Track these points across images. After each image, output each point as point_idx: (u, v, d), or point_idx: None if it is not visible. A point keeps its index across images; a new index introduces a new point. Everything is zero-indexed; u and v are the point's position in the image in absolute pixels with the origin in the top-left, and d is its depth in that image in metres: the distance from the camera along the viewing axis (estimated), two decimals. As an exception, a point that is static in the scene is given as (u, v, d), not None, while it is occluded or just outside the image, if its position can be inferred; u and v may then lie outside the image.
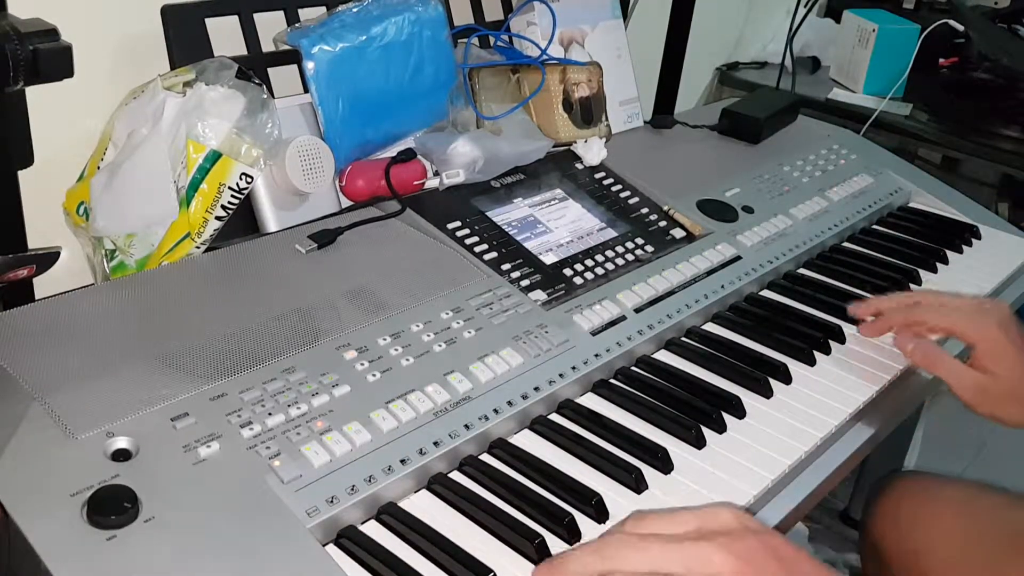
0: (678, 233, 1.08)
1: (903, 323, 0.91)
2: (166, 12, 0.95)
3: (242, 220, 0.96)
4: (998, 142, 1.64)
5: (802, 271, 1.11)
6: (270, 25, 1.03)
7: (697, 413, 0.82)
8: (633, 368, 0.89)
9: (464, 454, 0.74)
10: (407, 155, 1.04)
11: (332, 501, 0.65)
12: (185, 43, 0.95)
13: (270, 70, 1.02)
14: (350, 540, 0.65)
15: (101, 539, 0.58)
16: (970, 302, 0.89)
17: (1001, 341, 0.83)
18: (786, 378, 0.89)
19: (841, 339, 0.96)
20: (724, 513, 0.56)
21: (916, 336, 0.89)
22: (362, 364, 0.76)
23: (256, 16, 1.01)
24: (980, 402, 0.83)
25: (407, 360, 0.78)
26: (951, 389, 0.84)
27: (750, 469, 0.76)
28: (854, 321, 0.97)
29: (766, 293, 1.06)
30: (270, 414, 0.69)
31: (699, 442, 0.79)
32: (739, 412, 0.83)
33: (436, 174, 1.03)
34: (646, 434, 0.79)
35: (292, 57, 1.01)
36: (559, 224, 1.03)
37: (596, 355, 0.86)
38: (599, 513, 0.70)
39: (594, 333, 0.89)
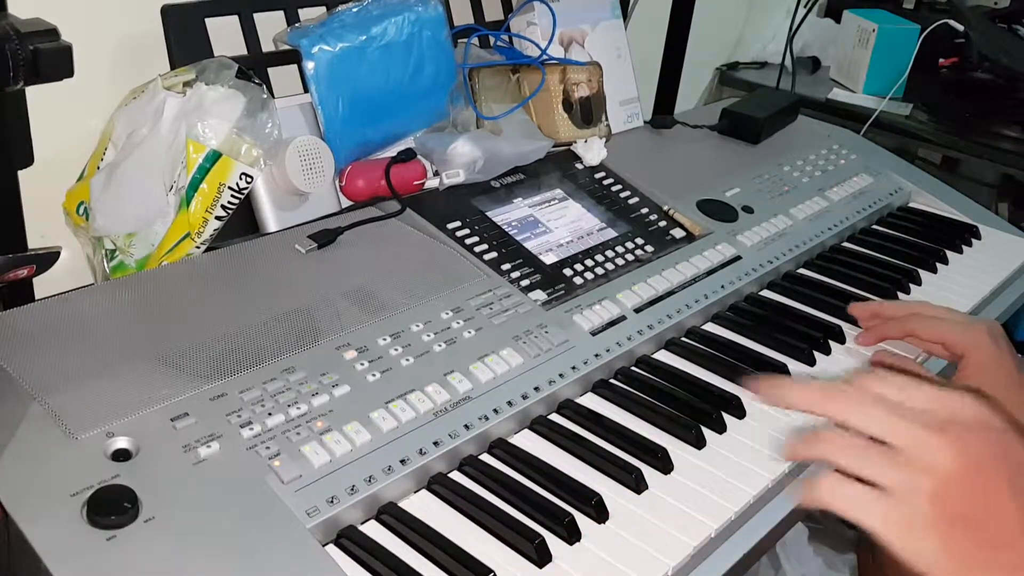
0: (678, 233, 1.08)
1: (898, 335, 0.90)
2: (166, 12, 0.95)
3: (242, 220, 0.96)
4: (998, 142, 1.64)
5: (802, 271, 1.11)
6: (270, 25, 1.03)
7: (697, 413, 0.81)
8: (633, 368, 0.89)
9: (464, 454, 0.74)
10: (407, 155, 1.04)
11: (332, 501, 0.65)
12: (185, 43, 0.95)
13: (270, 70, 1.02)
14: (350, 540, 0.65)
15: (101, 539, 0.58)
16: (963, 315, 0.89)
17: (991, 350, 0.82)
18: (786, 378, 0.89)
19: (841, 339, 0.96)
20: (968, 404, 0.51)
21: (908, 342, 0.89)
22: (362, 364, 0.76)
23: (256, 16, 1.01)
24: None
25: (407, 360, 0.78)
26: None
27: (750, 469, 0.76)
28: (854, 321, 0.97)
29: (766, 293, 1.06)
30: (270, 414, 0.69)
31: (699, 442, 0.79)
32: (739, 412, 0.83)
33: (436, 174, 1.03)
34: (646, 434, 0.79)
35: (292, 57, 1.01)
36: (559, 224, 1.03)
37: (596, 355, 0.86)
38: (599, 513, 0.70)
39: (594, 333, 0.89)
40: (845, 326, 0.98)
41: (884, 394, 0.51)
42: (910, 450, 0.49)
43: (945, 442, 0.49)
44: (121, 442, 0.65)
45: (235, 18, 1.00)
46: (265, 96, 0.93)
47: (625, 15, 1.41)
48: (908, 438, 0.49)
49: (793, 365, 0.91)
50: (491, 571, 0.63)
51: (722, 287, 1.01)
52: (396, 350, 0.79)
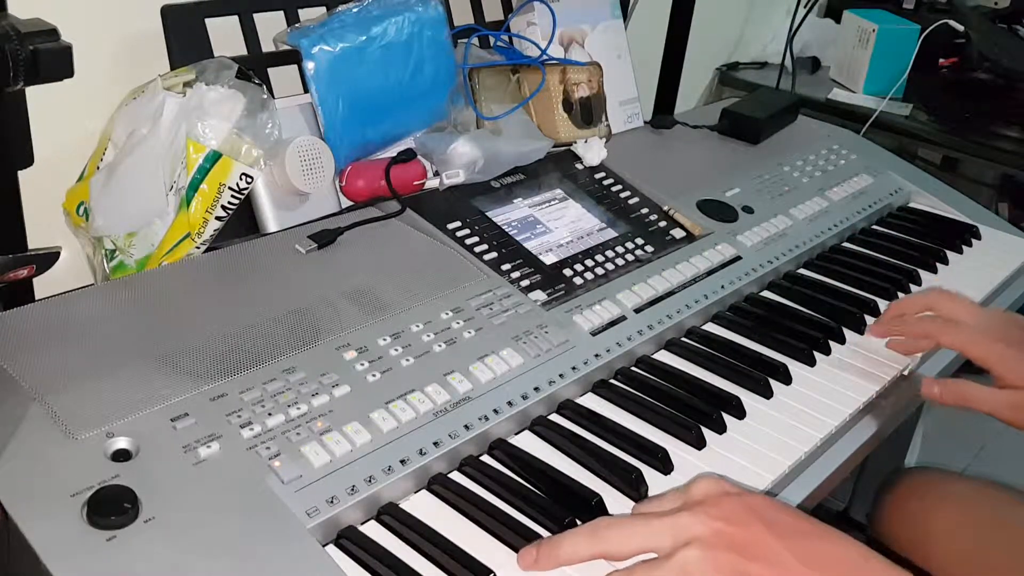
0: (678, 233, 1.08)
1: (917, 335, 0.91)
2: (166, 12, 0.95)
3: (242, 220, 0.96)
4: (998, 142, 1.64)
5: (802, 271, 1.11)
6: (270, 25, 1.03)
7: (697, 413, 0.81)
8: (633, 368, 0.89)
9: (464, 454, 0.74)
10: (407, 155, 1.04)
11: (332, 501, 0.65)
12: (185, 43, 0.95)
13: (270, 70, 1.02)
14: (350, 540, 0.65)
15: (101, 539, 0.58)
16: (976, 317, 0.89)
17: (1010, 356, 0.83)
18: (786, 378, 0.89)
19: (841, 339, 0.96)
20: (704, 484, 0.60)
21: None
22: (362, 364, 0.76)
23: (256, 16, 1.01)
24: (1020, 418, 0.83)
25: (407, 360, 0.78)
26: (992, 415, 0.84)
27: (750, 470, 0.76)
28: (854, 323, 0.97)
29: (766, 293, 1.06)
30: (270, 414, 0.69)
31: (699, 442, 0.79)
32: (739, 412, 0.83)
33: (436, 174, 1.03)
34: (646, 434, 0.79)
35: (292, 57, 1.01)
36: (559, 224, 1.03)
37: (596, 355, 0.86)
38: (600, 514, 0.69)
39: (594, 333, 0.89)
40: (845, 328, 0.98)
41: (639, 510, 0.61)
42: (675, 536, 0.57)
43: (695, 514, 0.57)
44: (121, 442, 0.65)
45: (235, 18, 1.00)
46: (265, 96, 0.93)
47: (625, 15, 1.41)
48: (668, 531, 0.57)
49: (793, 365, 0.91)
50: (491, 571, 0.63)
51: (722, 287, 1.01)
52: (396, 350, 0.79)
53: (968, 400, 0.85)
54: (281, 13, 1.04)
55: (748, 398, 0.85)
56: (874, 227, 1.26)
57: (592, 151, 1.15)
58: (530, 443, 0.78)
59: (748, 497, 0.59)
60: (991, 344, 0.84)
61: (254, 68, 0.97)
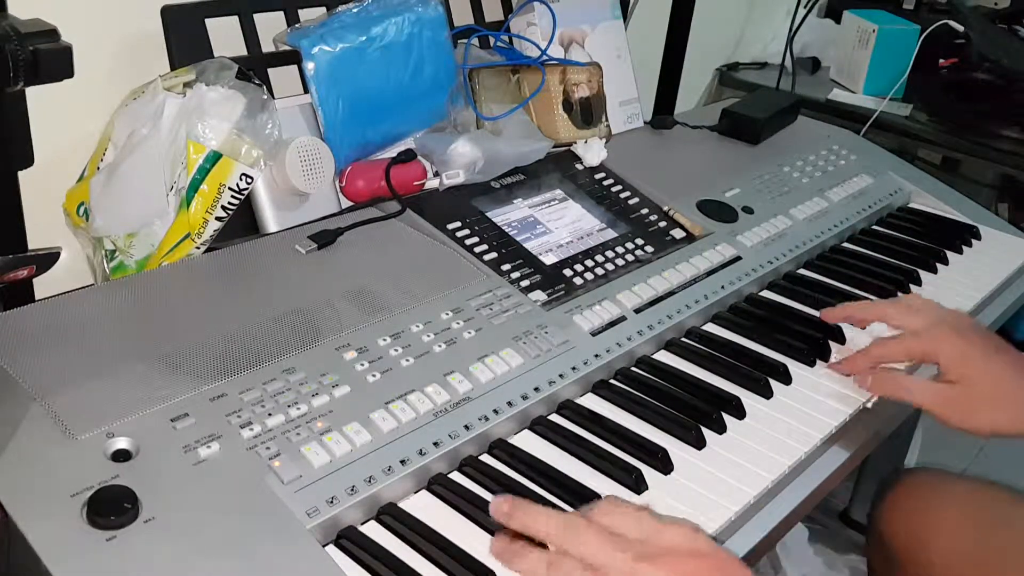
0: (678, 233, 1.08)
1: (871, 363, 0.88)
2: (166, 12, 0.95)
3: (242, 220, 0.96)
4: (998, 143, 1.64)
5: (802, 272, 1.11)
6: (270, 25, 1.03)
7: (697, 414, 0.81)
8: (633, 368, 0.89)
9: (464, 454, 0.74)
10: (407, 156, 1.04)
11: (332, 502, 0.65)
12: (185, 43, 0.95)
13: (270, 70, 1.02)
14: (350, 541, 0.65)
15: (101, 540, 0.58)
16: (925, 317, 0.87)
17: (961, 347, 0.82)
18: (786, 379, 0.89)
19: (841, 340, 0.96)
20: (677, 533, 0.57)
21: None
22: (362, 364, 0.76)
23: (256, 16, 1.01)
24: (950, 414, 0.81)
25: (407, 360, 0.78)
26: (927, 411, 0.83)
27: (750, 470, 0.76)
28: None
29: (766, 294, 1.06)
30: (270, 414, 0.69)
31: (699, 443, 0.79)
32: (739, 413, 0.83)
33: (436, 175, 1.03)
34: (646, 435, 0.79)
35: (292, 57, 1.01)
36: (559, 224, 1.03)
37: (596, 355, 0.86)
38: (599, 514, 0.69)
39: (594, 334, 0.89)
40: (845, 327, 0.97)
41: (609, 525, 0.57)
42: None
43: (654, 568, 0.54)
44: (121, 442, 0.65)
45: (235, 18, 1.00)
46: (265, 97, 0.93)
47: (625, 15, 1.41)
48: (620, 567, 0.54)
49: (793, 366, 0.91)
50: (492, 572, 0.63)
51: (722, 287, 1.01)
52: (396, 350, 0.79)
53: (900, 392, 0.84)
54: (281, 13, 1.04)
55: (748, 398, 0.85)
56: (874, 227, 1.26)
57: (592, 151, 1.15)
58: (530, 443, 0.78)
59: (715, 560, 0.56)
60: (944, 336, 0.83)
61: (254, 68, 0.97)
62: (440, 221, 0.97)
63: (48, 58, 0.80)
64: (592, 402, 0.84)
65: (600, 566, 0.55)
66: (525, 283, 0.92)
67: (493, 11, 1.25)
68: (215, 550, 0.59)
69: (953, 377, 0.82)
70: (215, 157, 0.90)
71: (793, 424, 0.83)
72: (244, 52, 1.00)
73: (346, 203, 1.02)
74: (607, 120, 1.22)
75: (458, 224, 0.97)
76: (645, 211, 1.10)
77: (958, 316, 0.89)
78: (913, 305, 0.89)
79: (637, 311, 0.93)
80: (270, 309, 0.80)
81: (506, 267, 0.93)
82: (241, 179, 0.91)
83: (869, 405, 0.88)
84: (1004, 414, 0.81)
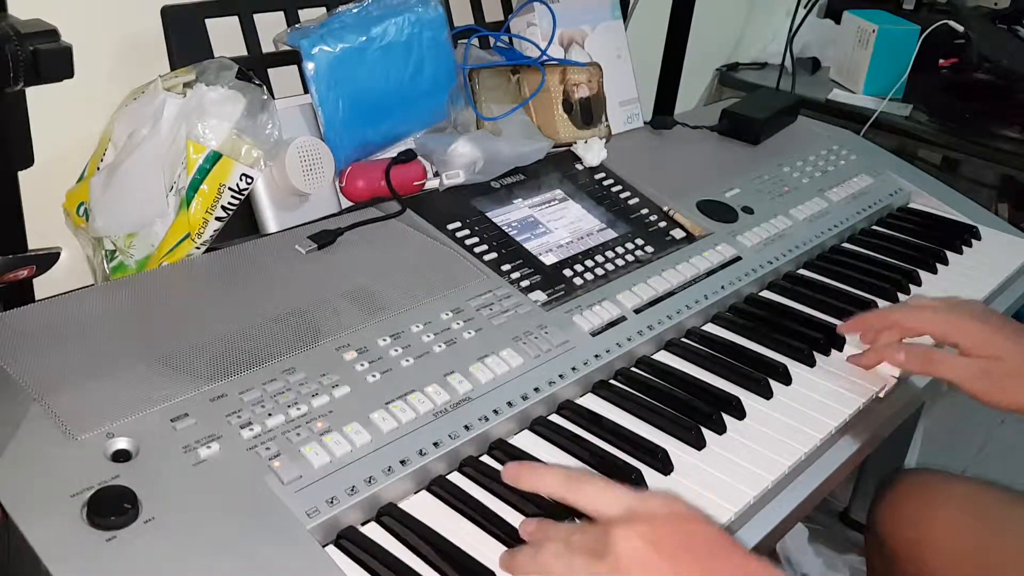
0: (678, 234, 1.08)
1: (894, 339, 0.89)
2: (166, 12, 0.95)
3: (242, 220, 0.96)
4: (998, 143, 1.64)
5: (802, 272, 1.11)
6: (270, 25, 1.03)
7: (697, 414, 0.82)
8: (633, 369, 0.89)
9: (464, 455, 0.74)
10: (407, 156, 1.04)
11: (332, 502, 0.65)
12: (185, 44, 0.95)
13: (270, 71, 1.02)
14: (350, 541, 0.65)
15: (101, 540, 0.58)
16: (940, 304, 0.88)
17: (980, 330, 0.83)
18: (786, 379, 0.89)
19: (841, 341, 0.96)
20: (654, 500, 0.59)
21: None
22: (362, 365, 0.76)
23: (256, 16, 1.01)
24: (987, 389, 0.81)
25: (407, 361, 0.78)
26: (957, 385, 0.83)
27: (750, 470, 0.76)
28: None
29: (766, 294, 1.06)
30: (270, 415, 0.69)
31: (699, 443, 0.79)
32: (739, 413, 0.83)
33: (436, 175, 1.03)
34: (646, 435, 0.79)
35: (292, 58, 1.01)
36: (559, 225, 1.03)
37: (596, 356, 0.86)
38: (599, 514, 0.69)
39: (594, 334, 0.89)
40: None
41: (587, 495, 0.59)
42: (600, 545, 0.55)
43: (625, 529, 0.55)
44: (121, 443, 0.65)
45: (235, 19, 1.00)
46: (265, 97, 0.93)
47: (625, 15, 1.41)
48: (597, 536, 0.56)
49: (793, 366, 0.91)
50: (491, 573, 0.63)
51: (722, 288, 1.01)
52: (396, 351, 0.79)
53: (934, 366, 0.84)
54: (281, 13, 1.04)
55: (748, 398, 0.85)
56: (874, 227, 1.26)
57: (592, 151, 1.15)
58: (530, 443, 0.78)
59: (689, 525, 0.57)
60: (961, 321, 0.84)
61: (254, 68, 0.97)
62: (440, 221, 0.97)
63: (48, 58, 0.80)
64: (592, 402, 0.84)
65: (602, 507, 0.58)
66: (525, 283, 0.92)
67: (493, 11, 1.25)
68: (215, 550, 0.59)
69: (979, 352, 0.82)
70: (215, 157, 0.90)
71: (793, 424, 0.83)
72: (244, 52, 1.00)
73: (346, 203, 1.02)
74: (607, 120, 1.22)
75: (458, 224, 0.97)
76: (645, 211, 1.10)
77: (972, 302, 0.90)
78: (924, 304, 0.89)
79: (637, 311, 0.93)
80: (270, 309, 0.80)
81: (506, 267, 0.93)
82: (241, 179, 0.91)
83: (882, 395, 0.88)
84: None
